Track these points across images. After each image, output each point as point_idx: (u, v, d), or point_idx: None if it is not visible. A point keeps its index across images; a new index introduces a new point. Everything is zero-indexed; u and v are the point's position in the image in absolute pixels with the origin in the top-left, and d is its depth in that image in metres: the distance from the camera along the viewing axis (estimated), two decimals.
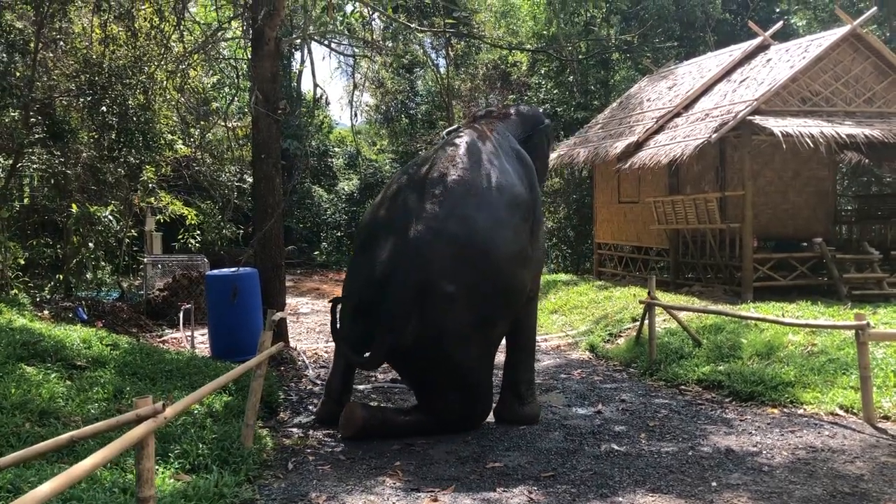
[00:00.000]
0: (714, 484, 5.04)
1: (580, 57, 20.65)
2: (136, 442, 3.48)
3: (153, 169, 12.72)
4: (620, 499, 4.80)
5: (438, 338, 6.03)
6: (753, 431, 6.24)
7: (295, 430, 6.65)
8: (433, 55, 30.24)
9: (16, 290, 10.44)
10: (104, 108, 13.51)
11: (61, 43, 13.67)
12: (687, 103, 14.25)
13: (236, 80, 13.26)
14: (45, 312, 10.91)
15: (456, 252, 6.11)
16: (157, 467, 4.86)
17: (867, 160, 15.36)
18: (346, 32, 12.81)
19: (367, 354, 6.36)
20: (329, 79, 59.27)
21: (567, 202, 21.64)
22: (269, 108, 9.68)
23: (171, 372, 7.40)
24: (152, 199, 12.87)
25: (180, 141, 14.59)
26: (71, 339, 7.78)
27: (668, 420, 6.71)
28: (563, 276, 16.12)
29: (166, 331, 12.66)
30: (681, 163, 12.75)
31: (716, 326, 9.32)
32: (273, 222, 9.62)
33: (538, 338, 11.37)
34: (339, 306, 6.91)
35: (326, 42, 11.65)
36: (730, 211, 13.14)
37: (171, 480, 4.74)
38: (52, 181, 14.84)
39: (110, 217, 14.32)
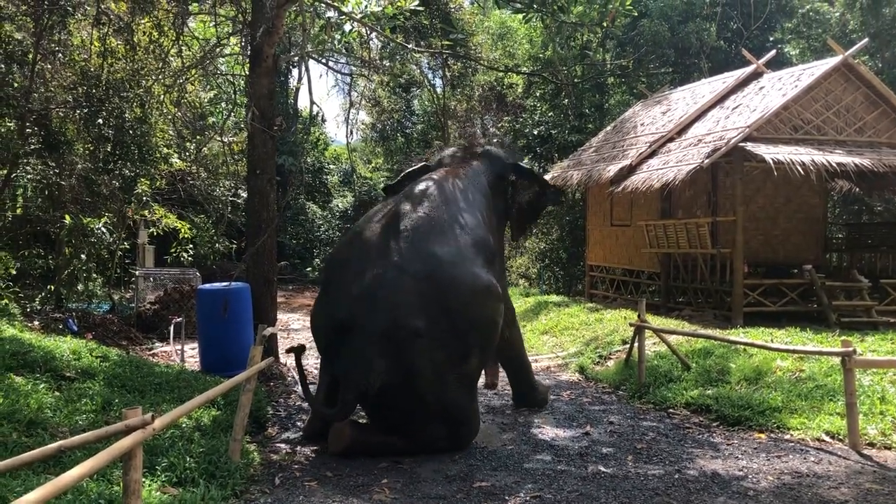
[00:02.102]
0: None
1: (575, 81, 20.83)
2: (124, 453, 3.49)
3: (147, 182, 12.74)
4: None
5: (411, 378, 5.95)
6: (740, 456, 6.27)
7: (283, 445, 6.65)
8: (430, 75, 30.47)
9: (6, 301, 10.42)
10: (100, 121, 13.55)
11: (60, 55, 13.73)
12: (680, 128, 14.38)
13: (233, 96, 13.33)
14: (36, 323, 10.89)
15: (422, 288, 6.05)
16: (144, 479, 4.86)
17: (858, 189, 15.52)
18: (344, 51, 12.91)
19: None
20: (326, 96, 59.38)
21: (560, 224, 21.73)
22: (266, 125, 9.74)
23: (161, 385, 7.39)
24: (146, 212, 12.88)
25: (176, 155, 14.63)
26: (60, 351, 7.76)
27: (655, 443, 6.73)
28: (554, 298, 16.17)
29: (156, 344, 12.64)
30: (673, 187, 12.84)
31: (705, 350, 9.36)
32: (266, 238, 9.65)
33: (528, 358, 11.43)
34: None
35: (324, 60, 11.75)
36: (721, 236, 13.23)
37: (158, 493, 4.73)
38: (46, 192, 14.84)
39: (103, 229, 14.32)
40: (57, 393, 6.60)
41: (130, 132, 13.50)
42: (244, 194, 19.51)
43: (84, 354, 7.94)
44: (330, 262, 6.92)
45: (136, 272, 15.56)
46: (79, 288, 15.01)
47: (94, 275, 16.21)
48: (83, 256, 14.47)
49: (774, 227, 14.49)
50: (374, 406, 6.14)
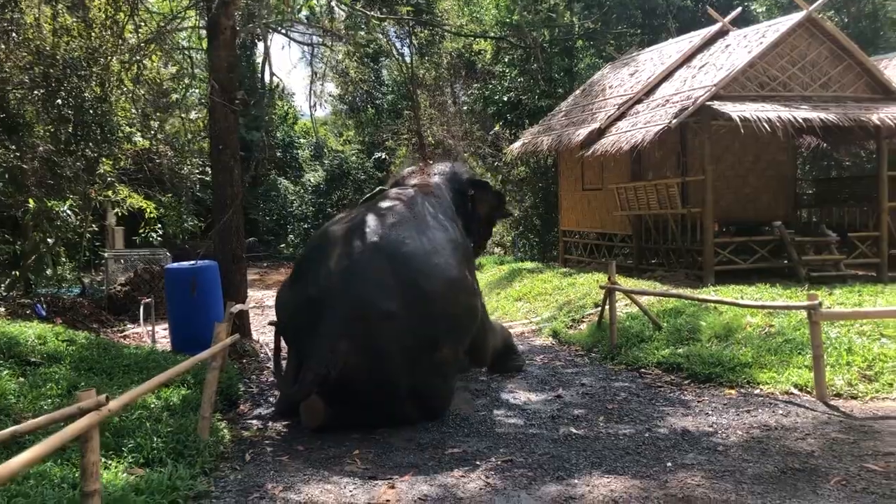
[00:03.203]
0: (669, 464, 5.09)
1: (543, 44, 20.66)
2: (78, 435, 3.41)
3: (111, 162, 12.50)
4: (576, 480, 4.83)
5: (379, 360, 5.85)
6: (710, 412, 6.32)
7: (254, 421, 6.61)
8: (398, 44, 30.11)
9: None
10: (59, 101, 13.24)
11: (14, 35, 13.36)
12: (648, 90, 14.34)
13: (191, 71, 13.09)
14: (2, 310, 10.72)
15: (398, 272, 6.02)
16: (110, 462, 4.82)
17: (825, 144, 15.61)
18: (305, 21, 12.67)
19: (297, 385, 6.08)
20: (292, 69, 58.66)
21: (533, 190, 21.69)
22: (227, 99, 9.57)
23: (129, 367, 7.31)
24: (110, 193, 12.66)
25: (139, 133, 14.36)
26: (25, 336, 7.64)
27: (626, 403, 6.78)
28: (528, 265, 16.18)
29: (128, 326, 12.52)
30: (642, 149, 12.84)
31: (676, 310, 9.42)
32: (232, 213, 9.52)
33: (504, 324, 11.45)
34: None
35: (284, 31, 11.53)
36: (691, 196, 13.25)
37: (125, 475, 4.67)
38: (7, 176, 14.53)
39: (68, 212, 14.07)
40: (21, 379, 6.51)
41: (91, 112, 13.21)
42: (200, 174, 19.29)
43: (50, 339, 7.83)
44: (306, 248, 6.86)
45: (105, 254, 15.37)
46: (47, 272, 14.80)
47: (64, 259, 15.99)
48: (50, 240, 14.24)
49: (744, 185, 14.55)
50: (340, 387, 5.94)
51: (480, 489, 4.74)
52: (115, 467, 4.74)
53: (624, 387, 7.40)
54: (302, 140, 34.60)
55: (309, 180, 30.99)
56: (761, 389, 6.92)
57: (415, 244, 6.30)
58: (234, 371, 7.88)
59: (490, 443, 5.73)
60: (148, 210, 13.35)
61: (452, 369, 6.55)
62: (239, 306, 8.12)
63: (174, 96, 17.48)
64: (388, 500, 4.58)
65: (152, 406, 6.15)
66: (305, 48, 30.42)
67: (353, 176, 29.87)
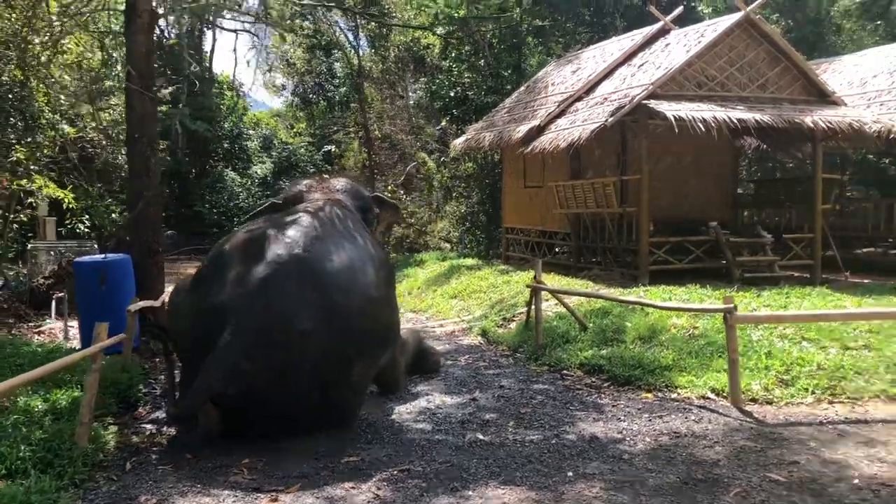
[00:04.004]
0: (570, 474, 4.90)
1: (491, 40, 20.49)
2: None
3: (24, 150, 11.96)
4: (470, 492, 4.61)
5: (288, 379, 5.41)
6: (622, 417, 6.16)
7: (149, 426, 6.28)
8: (351, 36, 29.72)
9: None
10: None
11: None
12: (589, 87, 14.22)
13: (122, 57, 12.59)
14: None
15: (316, 289, 5.56)
16: None
17: (765, 146, 15.66)
18: (237, 8, 12.27)
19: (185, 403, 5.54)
20: (242, 57, 57.24)
21: (480, 187, 21.52)
22: (144, 86, 9.18)
23: (22, 366, 6.87)
24: (24, 182, 12.11)
25: (64, 121, 13.80)
26: None
27: (541, 407, 6.58)
28: (468, 262, 15.98)
29: (47, 321, 11.99)
30: (581, 147, 12.69)
31: (603, 310, 9.28)
32: (147, 205, 9.13)
33: (434, 323, 11.24)
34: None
35: (209, 17, 11.13)
36: (631, 195, 13.16)
37: None
38: None
39: None
40: None
41: (10, 97, 12.63)
42: None
43: None
44: (214, 252, 6.13)
45: (29, 246, 14.78)
46: None
47: None
48: None
49: (683, 185, 14.50)
50: (240, 400, 5.41)
51: (369, 502, 4.49)
52: None
53: (542, 389, 7.22)
54: (251, 131, 33.98)
55: (256, 172, 30.42)
56: (678, 393, 6.79)
57: (338, 259, 5.83)
58: (137, 371, 7.51)
59: (391, 450, 5.48)
60: (66, 200, 12.80)
61: (365, 383, 6.25)
62: (143, 303, 7.76)
63: (108, 83, 16.94)
64: None
65: (35, 410, 5.78)
66: (249, 36, 29.79)
67: (302, 168, 29.40)
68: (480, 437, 5.75)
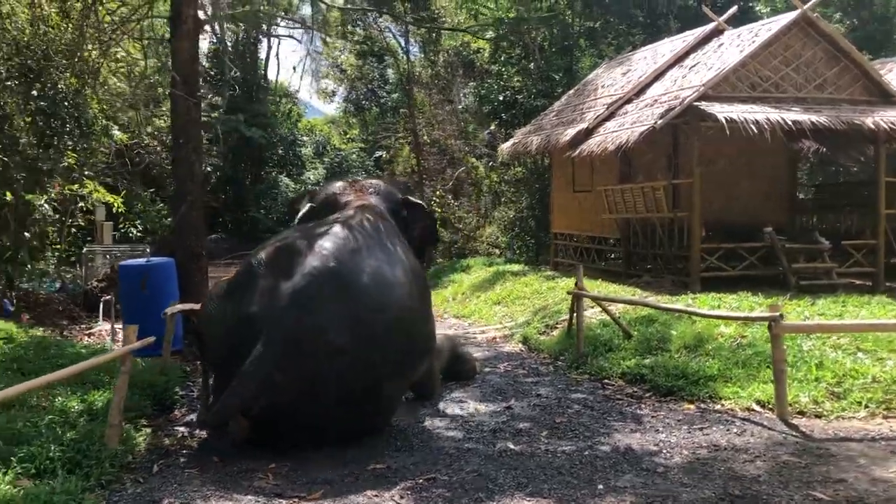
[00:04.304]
0: (601, 487, 4.72)
1: (542, 43, 20.30)
2: None
3: (75, 155, 12.24)
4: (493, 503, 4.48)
5: (319, 394, 5.28)
6: (661, 429, 5.93)
7: (182, 428, 6.30)
8: (402, 42, 29.83)
9: None
10: (35, 93, 13.01)
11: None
12: (639, 89, 13.92)
13: (163, 63, 12.83)
14: None
15: (352, 301, 5.42)
16: None
17: (824, 149, 15.10)
18: (283, 14, 12.37)
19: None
20: (299, 63, 57.64)
21: (530, 191, 21.31)
22: (188, 91, 9.28)
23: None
24: (75, 187, 12.40)
25: (116, 128, 14.11)
26: None
27: (577, 417, 6.40)
28: (515, 267, 15.79)
29: (98, 323, 12.24)
30: (630, 150, 12.43)
31: (649, 318, 9.02)
32: (191, 209, 9.23)
33: (476, 329, 11.12)
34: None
35: (251, 22, 11.24)
36: (683, 200, 12.82)
37: (8, 487, 4.36)
38: None
39: (46, 206, 13.83)
40: None
41: (65, 104, 12.96)
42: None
43: None
44: (250, 260, 5.97)
45: (84, 250, 15.14)
46: (27, 268, 14.55)
47: (49, 254, 15.77)
48: (27, 235, 14.00)
49: (737, 189, 14.06)
50: (269, 413, 5.34)
51: None
52: (0, 478, 4.43)
53: (580, 399, 7.03)
54: (305, 137, 34.39)
55: (309, 178, 30.76)
56: (722, 405, 6.53)
57: (373, 272, 5.67)
58: (176, 374, 7.58)
59: (419, 458, 5.38)
60: (116, 205, 13.07)
61: (398, 397, 6.14)
62: (181, 306, 7.83)
63: (160, 89, 17.30)
64: None
65: (72, 410, 5.85)
66: (304, 43, 30.18)
67: (353, 174, 29.63)
68: (511, 446, 5.61)
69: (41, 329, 10.90)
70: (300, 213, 7.14)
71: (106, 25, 11.57)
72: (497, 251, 22.44)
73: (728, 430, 5.82)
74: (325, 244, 5.75)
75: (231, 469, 5.15)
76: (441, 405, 6.90)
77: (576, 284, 8.64)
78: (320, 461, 5.28)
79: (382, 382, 5.62)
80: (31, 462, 4.67)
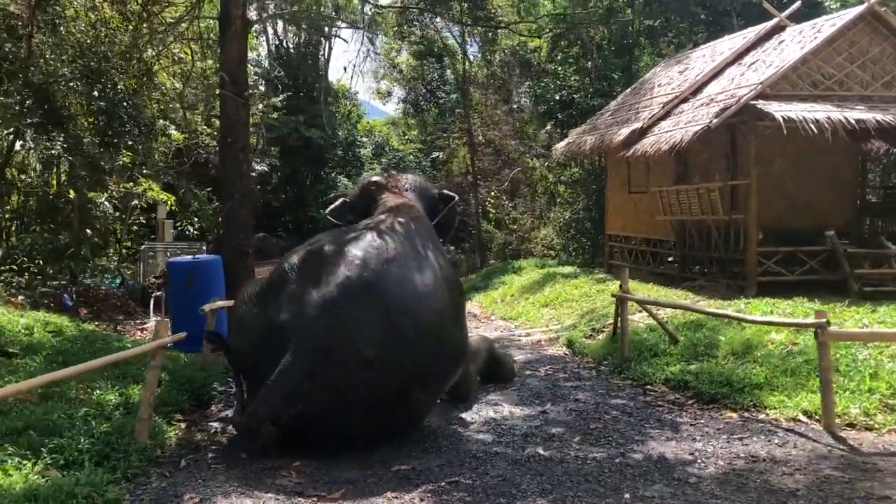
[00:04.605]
0: (627, 496, 4.56)
1: (600, 42, 19.99)
2: None
3: (130, 154, 12.56)
4: None
5: (347, 405, 5.25)
6: (698, 438, 5.72)
7: (216, 424, 6.35)
8: (460, 41, 29.78)
9: None
10: (95, 93, 13.40)
11: (62, 29, 13.55)
12: (695, 88, 13.55)
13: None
14: (20, 298, 10.83)
15: (384, 313, 5.30)
16: (25, 462, 4.60)
17: (893, 148, 14.44)
18: (334, 14, 12.46)
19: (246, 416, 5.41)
20: (358, 67, 58.11)
21: (587, 192, 21.01)
22: (236, 92, 9.41)
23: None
24: (130, 185, 12.72)
25: (173, 128, 14.43)
26: (13, 326, 7.60)
27: (613, 423, 6.22)
28: (566, 269, 15.55)
29: (152, 318, 12.53)
30: (684, 150, 12.12)
31: (697, 323, 8.74)
32: (237, 207, 9.35)
33: (521, 332, 10.99)
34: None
35: (301, 22, 11.33)
36: (741, 201, 12.41)
37: (36, 477, 4.45)
38: (54, 168, 14.79)
39: (107, 204, 14.24)
40: None
41: (124, 105, 13.31)
42: (259, 167, 19.39)
43: (37, 330, 7.79)
44: (283, 265, 5.90)
45: (142, 247, 15.53)
46: (89, 264, 15.01)
47: (111, 250, 16.26)
48: (89, 231, 14.45)
49: (799, 191, 13.53)
50: (297, 422, 5.27)
51: None
52: (29, 468, 4.52)
53: (620, 404, 6.84)
54: (364, 139, 34.65)
55: (366, 178, 31.00)
56: (766, 414, 6.26)
57: (406, 283, 5.56)
58: (217, 369, 7.67)
59: (445, 461, 5.30)
60: (169, 203, 13.35)
61: (430, 405, 6.02)
62: (221, 303, 7.92)
63: (217, 90, 17.64)
64: None
65: (108, 403, 5.96)
66: (363, 43, 30.41)
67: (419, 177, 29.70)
68: (541, 451, 5.48)
69: (96, 323, 11.21)
70: (331, 206, 7.18)
71: (157, 26, 11.83)
72: (552, 253, 22.20)
73: (769, 440, 5.57)
74: (357, 252, 5.61)
75: (257, 466, 5.16)
76: (475, 407, 6.81)
77: (620, 287, 8.43)
78: (346, 460, 5.25)
79: (413, 392, 5.54)
80: (61, 453, 4.77)
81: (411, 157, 31.11)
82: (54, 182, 14.56)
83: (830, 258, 11.98)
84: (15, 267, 13.87)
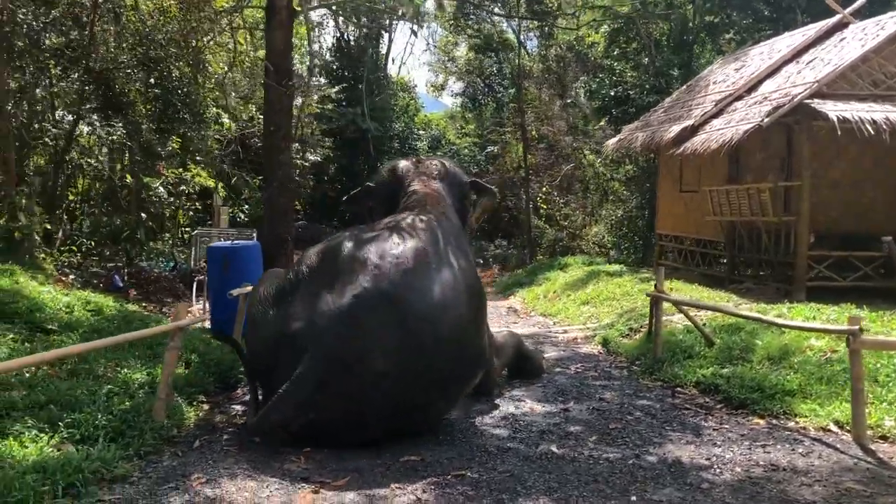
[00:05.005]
0: (633, 498, 4.46)
1: (658, 38, 19.61)
2: None
3: (179, 140, 12.83)
4: None
5: (360, 414, 5.19)
6: (719, 443, 5.55)
7: (239, 407, 6.44)
8: (520, 36, 29.59)
9: (43, 256, 10.66)
10: (152, 81, 13.75)
11: (123, 18, 13.93)
12: (750, 86, 13.19)
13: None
14: (70, 278, 11.18)
15: (399, 324, 5.16)
16: (42, 435, 4.74)
17: None
18: (384, 7, 12.49)
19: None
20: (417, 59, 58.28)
21: (641, 190, 20.68)
22: (279, 80, 9.51)
23: (143, 339, 7.30)
24: (179, 170, 13.02)
25: (225, 116, 14.71)
26: (55, 304, 7.84)
27: (634, 424, 6.10)
28: (612, 267, 15.31)
29: (194, 301, 12.81)
30: (740, 149, 11.83)
31: (736, 326, 8.50)
32: (277, 194, 9.47)
33: (558, 329, 10.88)
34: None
35: (348, 13, 11.39)
36: (793, 204, 12.03)
37: (50, 450, 4.58)
38: (113, 153, 15.23)
39: (161, 189, 14.59)
40: (27, 344, 6.65)
41: (178, 92, 13.63)
42: (312, 157, 19.62)
43: (78, 308, 8.01)
44: (301, 263, 5.80)
45: (194, 232, 15.89)
46: (146, 246, 15.43)
47: (167, 234, 16.69)
48: (143, 215, 14.84)
49: (856, 194, 13.03)
50: (308, 434, 5.22)
51: None
52: (45, 441, 4.66)
53: (645, 405, 6.70)
54: (421, 132, 34.73)
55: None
56: (796, 422, 6.04)
57: (426, 293, 5.34)
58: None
59: (456, 453, 5.26)
60: (218, 189, 13.62)
61: (447, 411, 5.93)
62: (249, 289, 8.01)
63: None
64: None
65: (134, 382, 6.09)
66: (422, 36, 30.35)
67: (464, 169, 29.66)
68: (554, 449, 5.40)
69: (143, 305, 11.52)
70: (355, 192, 7.09)
71: (209, 15, 12.04)
72: (603, 251, 21.91)
73: (793, 449, 5.38)
74: (374, 259, 5.39)
75: (268, 450, 5.20)
76: (497, 402, 6.75)
77: (655, 286, 8.26)
78: (357, 449, 5.25)
79: (431, 401, 5.46)
80: (77, 428, 4.89)
81: (466, 150, 31.06)
82: (118, 166, 14.97)
83: (886, 264, 11.56)
84: (75, 248, 14.38)
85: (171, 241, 16.63)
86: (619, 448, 5.44)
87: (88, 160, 14.88)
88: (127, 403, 5.47)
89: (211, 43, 12.69)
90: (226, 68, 13.81)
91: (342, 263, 5.44)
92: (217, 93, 13.97)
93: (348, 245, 5.61)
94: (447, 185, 6.90)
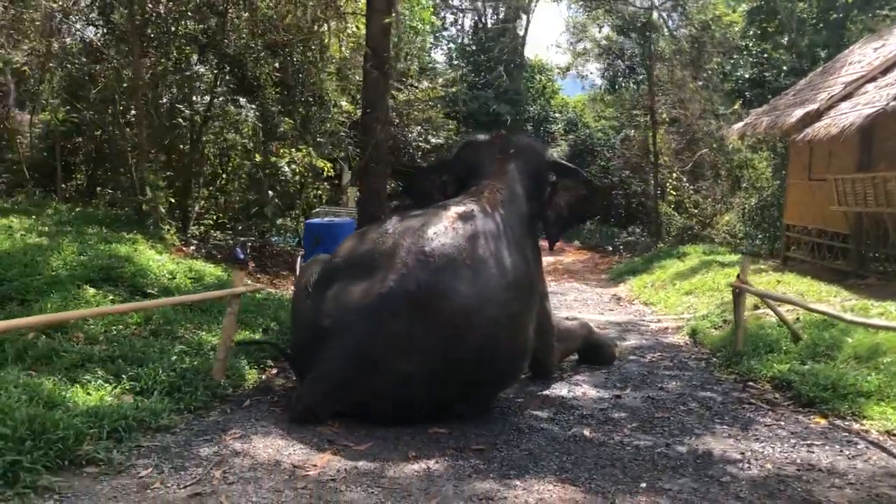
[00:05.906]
0: (643, 485, 4.41)
1: (801, 15, 18.45)
2: None
3: (291, 122, 13.46)
4: (518, 482, 4.37)
5: (384, 408, 5.28)
6: (764, 439, 5.33)
7: None
8: (664, 15, 28.61)
9: (168, 227, 11.53)
10: (277, 65, 14.51)
11: (254, 5, 14.78)
12: (886, 67, 12.18)
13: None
14: (191, 249, 12.05)
15: (427, 326, 5.11)
16: (105, 385, 5.26)
17: None
18: None
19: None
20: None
21: (777, 178, 19.58)
22: (376, 64, 9.82)
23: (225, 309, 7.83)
24: (291, 150, 13.70)
25: (344, 99, 15.29)
26: (159, 270, 8.52)
27: (684, 415, 5.95)
28: (727, 258, 14.58)
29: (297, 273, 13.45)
30: (860, 134, 11.01)
31: (827, 322, 8.00)
32: (370, 175, 9.81)
33: (652, 318, 10.64)
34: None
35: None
36: None
37: (111, 399, 5.08)
38: (243, 133, 16.20)
39: (286, 168, 15.41)
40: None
41: (299, 76, 14.31)
42: (434, 139, 20.01)
43: (180, 275, 8.67)
44: (340, 250, 5.87)
45: (314, 210, 16.66)
46: (272, 223, 16.36)
47: (297, 211, 17.63)
48: (271, 193, 15.73)
49: None
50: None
51: (415, 472, 4.48)
52: (107, 390, 5.17)
53: (705, 397, 6.50)
54: (557, 114, 34.41)
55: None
56: (861, 424, 5.68)
57: (459, 296, 5.19)
58: None
59: (486, 430, 5.37)
60: (326, 170, 14.22)
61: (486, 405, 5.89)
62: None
63: (400, 66, 18.37)
64: (315, 466, 4.50)
65: (207, 343, 6.58)
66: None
67: (597, 153, 29.15)
68: (586, 433, 5.39)
69: (257, 276, 12.27)
70: (426, 165, 7.08)
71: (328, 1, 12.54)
72: (735, 241, 20.93)
73: (841, 451, 5.08)
74: (407, 257, 5.29)
75: None
76: (553, 384, 6.78)
77: (738, 277, 7.91)
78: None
79: (460, 402, 5.50)
80: (138, 381, 5.39)
81: (600, 134, 30.50)
82: (251, 145, 15.89)
83: None
84: (212, 220, 15.51)
85: (299, 218, 17.50)
86: (653, 436, 5.36)
87: (225, 139, 15.89)
88: (191, 362, 5.93)
89: (333, 27, 13.25)
90: (346, 53, 14.35)
91: (376, 257, 5.41)
92: (337, 77, 14.56)
93: (385, 236, 5.58)
94: (522, 164, 6.62)
